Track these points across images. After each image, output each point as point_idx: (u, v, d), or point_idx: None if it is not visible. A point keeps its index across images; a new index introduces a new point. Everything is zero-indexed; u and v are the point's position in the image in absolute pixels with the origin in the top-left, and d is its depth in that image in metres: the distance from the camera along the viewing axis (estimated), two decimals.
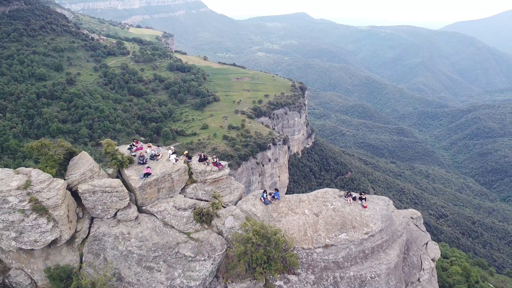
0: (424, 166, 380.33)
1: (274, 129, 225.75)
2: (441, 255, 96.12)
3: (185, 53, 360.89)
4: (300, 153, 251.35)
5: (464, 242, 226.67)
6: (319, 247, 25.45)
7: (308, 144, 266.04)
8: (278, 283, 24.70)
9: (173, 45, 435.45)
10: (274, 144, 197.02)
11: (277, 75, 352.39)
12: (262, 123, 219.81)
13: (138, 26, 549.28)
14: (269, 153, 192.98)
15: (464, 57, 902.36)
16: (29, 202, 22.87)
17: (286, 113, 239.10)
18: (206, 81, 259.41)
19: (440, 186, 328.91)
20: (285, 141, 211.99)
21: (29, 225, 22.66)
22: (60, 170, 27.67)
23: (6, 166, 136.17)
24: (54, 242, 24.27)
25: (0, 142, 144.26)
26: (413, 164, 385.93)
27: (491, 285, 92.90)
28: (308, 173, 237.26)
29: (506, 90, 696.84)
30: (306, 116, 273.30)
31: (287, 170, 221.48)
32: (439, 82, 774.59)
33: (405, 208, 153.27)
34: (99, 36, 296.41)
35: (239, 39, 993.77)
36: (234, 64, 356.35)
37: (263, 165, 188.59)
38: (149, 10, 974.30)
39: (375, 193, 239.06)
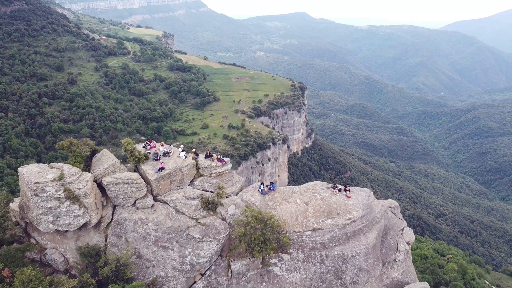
0: (423, 166, 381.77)
1: (274, 128, 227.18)
2: (438, 252, 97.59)
3: (185, 53, 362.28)
4: (299, 153, 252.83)
5: (462, 240, 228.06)
6: (308, 231, 29.61)
7: (308, 144, 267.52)
8: (273, 260, 28.95)
9: (173, 45, 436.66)
10: (274, 143, 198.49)
11: (277, 74, 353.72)
12: (262, 122, 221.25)
13: (138, 26, 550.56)
14: (268, 153, 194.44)
15: (464, 56, 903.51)
16: (63, 192, 26.95)
17: (285, 113, 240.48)
18: (206, 81, 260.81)
19: (439, 185, 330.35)
20: (284, 141, 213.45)
21: (64, 211, 26.95)
22: (85, 165, 31.22)
23: (8, 165, 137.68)
24: (84, 225, 28.30)
25: (2, 141, 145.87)
26: (412, 163, 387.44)
27: (487, 282, 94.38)
28: (308, 172, 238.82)
29: (505, 89, 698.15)
30: (305, 115, 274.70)
31: (287, 169, 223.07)
32: (439, 81, 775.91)
33: (404, 206, 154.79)
34: (99, 36, 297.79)
35: (239, 39, 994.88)
36: (234, 64, 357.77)
37: (263, 164, 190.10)
38: (149, 10, 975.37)
39: (374, 192, 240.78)
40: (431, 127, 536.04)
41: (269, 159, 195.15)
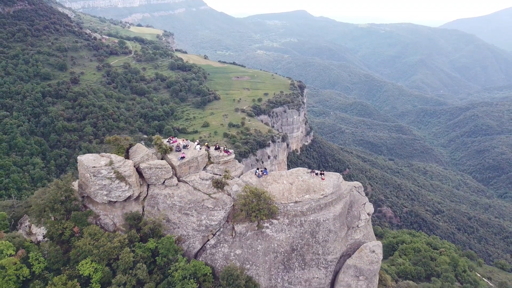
0: (422, 163, 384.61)
1: (273, 127, 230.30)
2: (431, 246, 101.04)
3: (185, 52, 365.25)
4: (299, 150, 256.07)
5: (459, 237, 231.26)
6: (291, 203, 39.42)
7: (307, 142, 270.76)
8: (265, 224, 38.74)
9: (173, 43, 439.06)
10: (274, 141, 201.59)
11: (276, 73, 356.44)
12: (262, 121, 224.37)
13: (139, 25, 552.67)
14: (268, 150, 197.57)
15: (463, 54, 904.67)
16: (114, 173, 37.00)
17: (285, 111, 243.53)
18: (207, 80, 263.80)
19: (437, 183, 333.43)
20: (284, 139, 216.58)
21: (115, 187, 37.27)
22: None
23: (14, 163, 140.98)
24: (128, 198, 38.52)
25: (8, 139, 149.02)
26: (411, 161, 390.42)
27: (479, 275, 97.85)
28: None
29: (505, 87, 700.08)
30: (305, 114, 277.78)
31: (286, 167, 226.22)
32: (438, 79, 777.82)
33: (402, 203, 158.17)
34: (101, 35, 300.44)
35: (238, 37, 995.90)
36: (234, 63, 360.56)
37: (262, 162, 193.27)
38: (149, 8, 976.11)
39: (372, 190, 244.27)
40: (430, 125, 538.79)
41: (269, 157, 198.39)
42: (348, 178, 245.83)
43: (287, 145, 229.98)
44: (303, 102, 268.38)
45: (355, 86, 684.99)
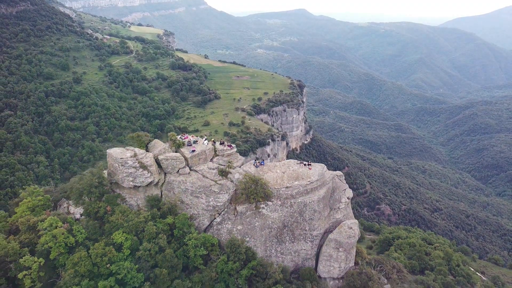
0: (421, 162, 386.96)
1: (273, 125, 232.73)
2: (426, 241, 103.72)
3: (186, 52, 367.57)
4: (298, 149, 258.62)
5: (457, 234, 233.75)
6: (283, 188, 46.86)
7: (306, 140, 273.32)
8: (262, 205, 46.18)
9: (174, 43, 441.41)
10: (273, 140, 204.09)
11: (276, 73, 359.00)
12: (262, 120, 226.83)
13: (139, 24, 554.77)
14: (268, 149, 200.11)
15: (463, 53, 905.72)
16: (138, 163, 45.37)
17: (284, 110, 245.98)
18: (207, 79, 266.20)
19: (436, 181, 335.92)
20: (283, 137, 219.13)
21: (139, 174, 45.64)
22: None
23: (19, 161, 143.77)
24: (150, 183, 46.76)
25: (12, 138, 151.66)
26: (410, 159, 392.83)
27: (472, 269, 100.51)
28: None
29: (504, 86, 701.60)
30: (304, 113, 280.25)
31: None
32: (438, 78, 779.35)
33: (400, 201, 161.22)
34: (102, 35, 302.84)
35: (238, 36, 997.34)
36: (234, 62, 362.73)
37: (262, 160, 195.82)
38: (149, 8, 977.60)
39: (371, 188, 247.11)
40: (430, 124, 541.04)
41: (269, 155, 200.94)
42: (347, 176, 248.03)
43: (287, 143, 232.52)
44: (302, 101, 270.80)
45: (355, 85, 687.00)
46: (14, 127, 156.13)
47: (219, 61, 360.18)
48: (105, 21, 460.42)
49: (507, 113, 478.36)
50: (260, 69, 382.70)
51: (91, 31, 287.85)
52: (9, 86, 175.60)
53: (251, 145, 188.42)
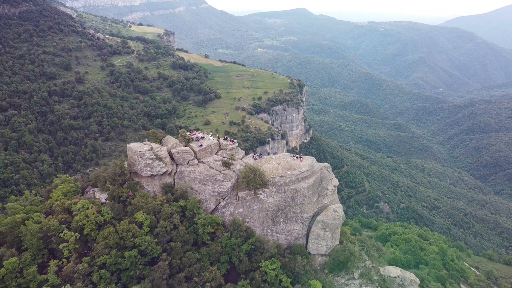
0: (420, 161, 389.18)
1: (273, 124, 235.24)
2: (422, 237, 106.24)
3: (186, 51, 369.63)
4: (298, 148, 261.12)
5: (455, 232, 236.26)
6: (278, 177, 53.16)
7: (306, 139, 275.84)
8: (260, 191, 52.77)
9: (174, 43, 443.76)
10: (273, 139, 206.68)
11: (276, 72, 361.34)
12: (262, 119, 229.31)
13: (140, 24, 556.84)
14: (268, 148, 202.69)
15: (463, 52, 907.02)
16: (154, 155, 51.91)
17: (284, 110, 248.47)
18: (208, 79, 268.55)
19: (435, 180, 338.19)
20: (283, 136, 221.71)
21: (155, 165, 52.26)
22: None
23: (24, 159, 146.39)
24: (164, 173, 53.42)
25: (16, 137, 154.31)
26: (409, 158, 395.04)
27: (466, 264, 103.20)
28: None
29: (504, 85, 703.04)
30: (304, 112, 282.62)
31: None
32: (438, 77, 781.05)
33: (399, 200, 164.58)
34: (104, 35, 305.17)
35: (239, 35, 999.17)
36: (234, 62, 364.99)
37: None
38: (149, 7, 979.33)
39: (370, 186, 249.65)
40: (429, 123, 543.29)
41: (268, 154, 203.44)
42: (346, 174, 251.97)
43: (286, 142, 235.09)
44: (302, 101, 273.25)
45: (354, 84, 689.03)
46: (18, 126, 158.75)
47: (220, 60, 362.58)
48: (106, 20, 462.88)
49: (506, 112, 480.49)
50: (260, 68, 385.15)
51: (93, 31, 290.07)
52: (12, 86, 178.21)
53: (251, 143, 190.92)
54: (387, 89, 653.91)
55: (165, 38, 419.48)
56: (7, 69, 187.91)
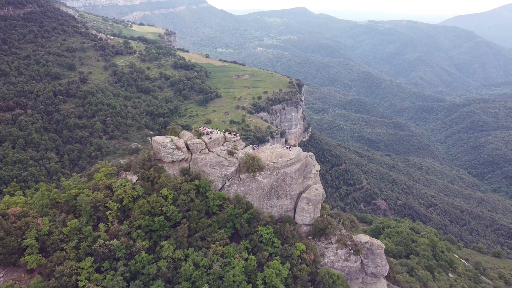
0: (418, 159, 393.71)
1: (272, 123, 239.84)
2: (414, 231, 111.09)
3: (187, 51, 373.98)
4: (297, 146, 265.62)
5: (451, 229, 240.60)
6: (271, 162, 64.80)
7: (305, 138, 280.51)
8: (257, 174, 64.61)
9: (175, 42, 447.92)
10: (272, 137, 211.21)
11: (275, 71, 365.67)
12: (261, 118, 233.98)
13: (141, 24, 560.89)
14: (267, 146, 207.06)
15: (462, 51, 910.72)
16: (174, 145, 65.47)
17: (283, 109, 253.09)
18: (208, 79, 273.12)
19: (432, 178, 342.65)
20: (282, 135, 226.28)
21: (175, 153, 65.67)
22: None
23: (31, 157, 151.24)
24: (182, 159, 66.24)
25: (24, 136, 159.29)
26: (407, 156, 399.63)
27: (456, 256, 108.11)
28: None
29: (503, 84, 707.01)
30: (303, 111, 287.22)
31: None
32: (437, 76, 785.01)
33: (396, 197, 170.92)
34: (106, 36, 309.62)
35: (239, 34, 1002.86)
36: (234, 62, 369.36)
37: None
38: (149, 6, 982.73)
39: (367, 183, 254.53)
40: (428, 121, 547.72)
41: None
42: (344, 172, 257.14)
43: (286, 140, 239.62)
44: (301, 100, 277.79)
45: (354, 83, 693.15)
46: (25, 125, 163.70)
47: (220, 60, 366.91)
48: (107, 20, 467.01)
49: (504, 110, 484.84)
50: (260, 68, 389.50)
51: (95, 32, 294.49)
52: (19, 86, 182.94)
53: (251, 142, 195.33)
54: (386, 88, 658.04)
55: (166, 38, 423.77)
56: (13, 69, 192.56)
